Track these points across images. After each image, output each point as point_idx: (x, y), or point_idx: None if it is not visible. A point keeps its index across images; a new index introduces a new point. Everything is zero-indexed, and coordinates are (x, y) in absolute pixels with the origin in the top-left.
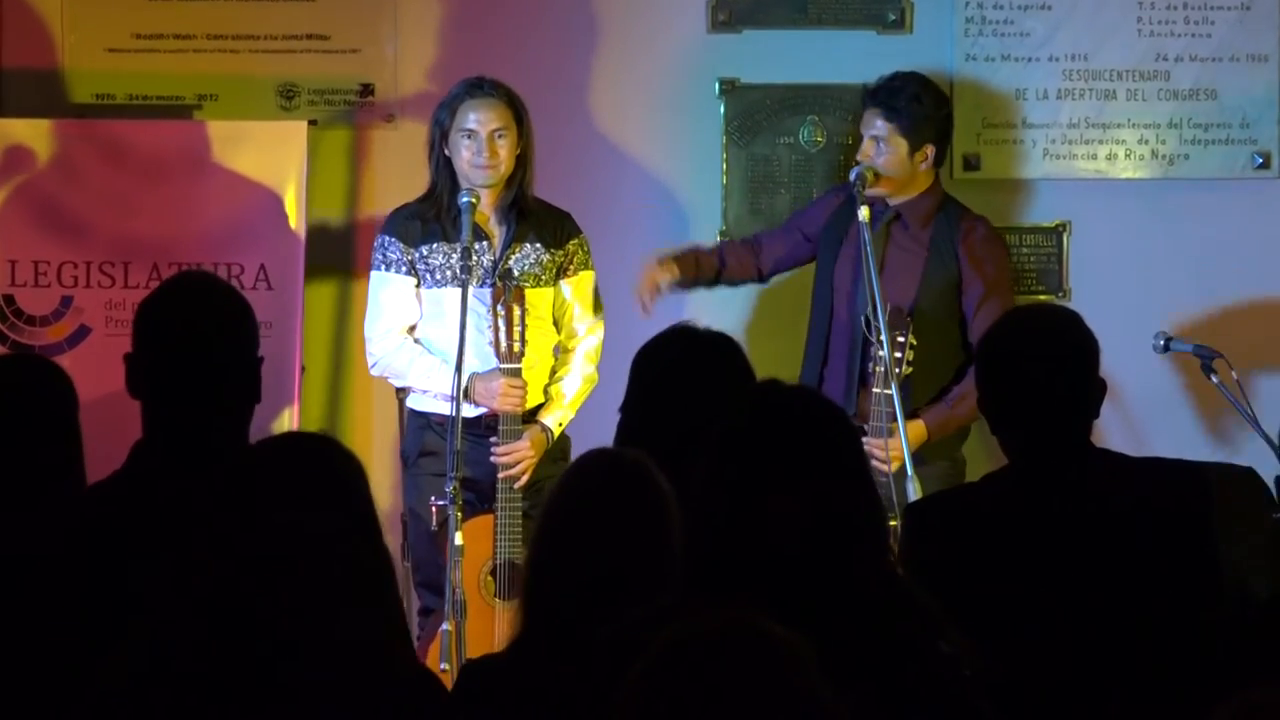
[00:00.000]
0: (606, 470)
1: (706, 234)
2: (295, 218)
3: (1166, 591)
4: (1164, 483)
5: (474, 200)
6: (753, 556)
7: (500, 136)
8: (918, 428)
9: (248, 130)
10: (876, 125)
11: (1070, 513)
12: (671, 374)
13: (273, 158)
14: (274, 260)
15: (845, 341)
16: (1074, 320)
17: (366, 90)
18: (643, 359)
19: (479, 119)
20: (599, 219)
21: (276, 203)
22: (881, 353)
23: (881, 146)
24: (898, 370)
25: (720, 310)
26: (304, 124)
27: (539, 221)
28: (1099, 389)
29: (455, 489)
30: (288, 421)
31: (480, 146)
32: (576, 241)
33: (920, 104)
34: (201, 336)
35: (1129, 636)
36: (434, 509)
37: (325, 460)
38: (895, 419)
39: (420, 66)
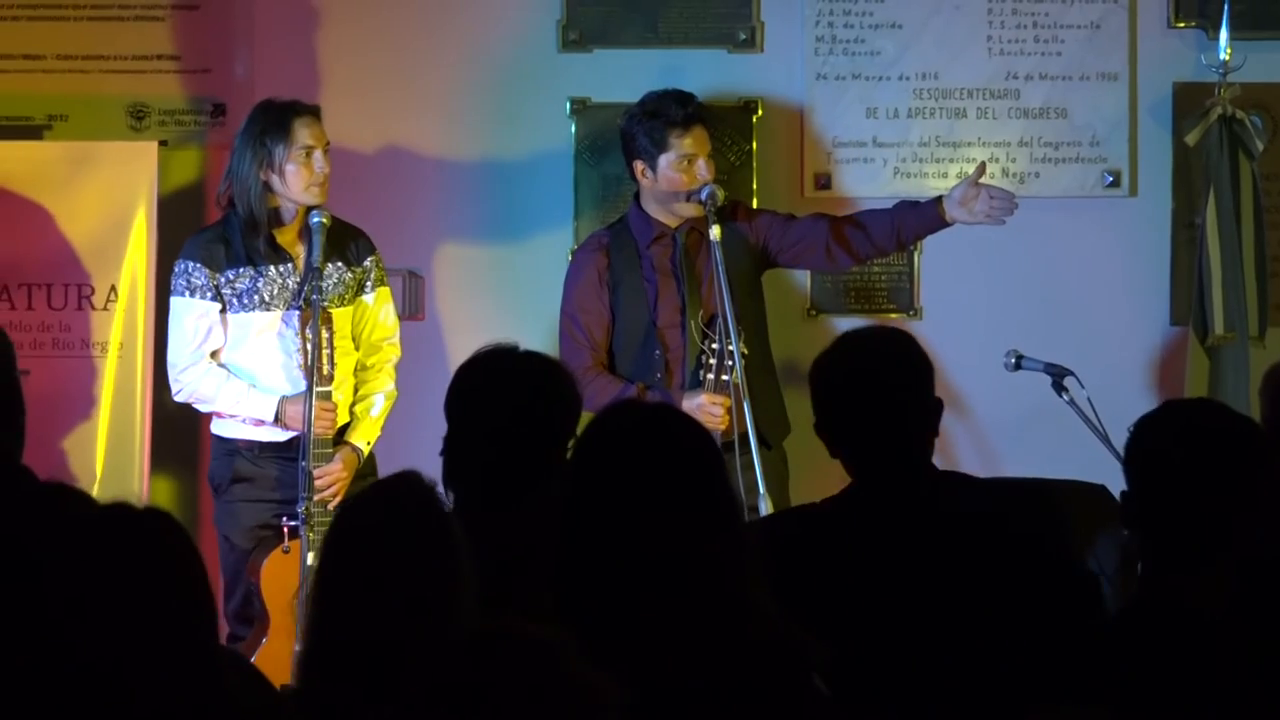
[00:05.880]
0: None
1: (558, 254)
2: (146, 238)
3: (1015, 607)
4: (1009, 500)
5: (325, 220)
6: (612, 581)
7: (327, 152)
8: None
9: (98, 151)
10: (698, 140)
11: (914, 531)
12: (479, 398)
13: (123, 178)
14: (125, 281)
15: (681, 360)
16: (907, 340)
17: (218, 110)
18: (454, 388)
19: (314, 135)
20: (446, 238)
21: (127, 223)
22: (713, 360)
23: (709, 159)
24: (733, 376)
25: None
26: (154, 144)
27: (338, 239)
28: (935, 407)
29: (308, 508)
30: (138, 440)
31: (320, 163)
32: (374, 259)
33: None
34: None
35: (976, 653)
36: (285, 529)
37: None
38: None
39: (272, 87)
